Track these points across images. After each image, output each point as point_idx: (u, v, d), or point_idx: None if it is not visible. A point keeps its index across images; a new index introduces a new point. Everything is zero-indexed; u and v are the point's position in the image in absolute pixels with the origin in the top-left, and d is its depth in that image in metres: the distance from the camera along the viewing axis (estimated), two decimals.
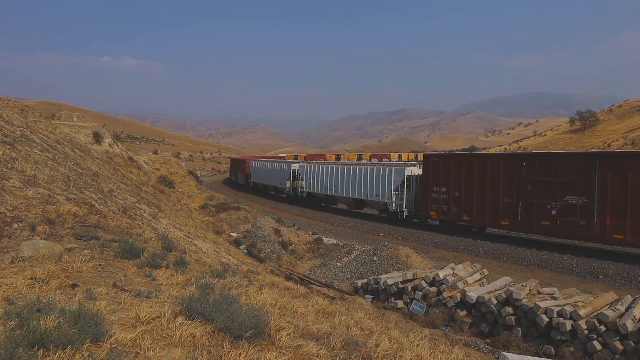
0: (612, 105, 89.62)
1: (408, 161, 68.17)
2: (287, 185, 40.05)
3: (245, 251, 18.71)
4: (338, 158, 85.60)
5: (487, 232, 23.39)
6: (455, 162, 23.46)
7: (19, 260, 4.98)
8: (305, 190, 37.05)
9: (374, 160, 75.73)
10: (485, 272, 13.39)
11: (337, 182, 32.47)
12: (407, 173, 26.22)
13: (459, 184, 22.64)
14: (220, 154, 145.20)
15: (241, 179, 58.99)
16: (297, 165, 40.08)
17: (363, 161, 72.15)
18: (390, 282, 12.79)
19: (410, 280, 12.65)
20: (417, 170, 26.58)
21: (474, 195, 21.85)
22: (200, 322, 3.83)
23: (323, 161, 59.56)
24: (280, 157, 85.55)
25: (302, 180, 37.77)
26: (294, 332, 4.11)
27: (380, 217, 30.35)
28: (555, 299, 10.36)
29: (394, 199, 26.95)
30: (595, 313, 9.48)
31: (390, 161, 72.70)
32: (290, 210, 35.42)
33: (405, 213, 26.18)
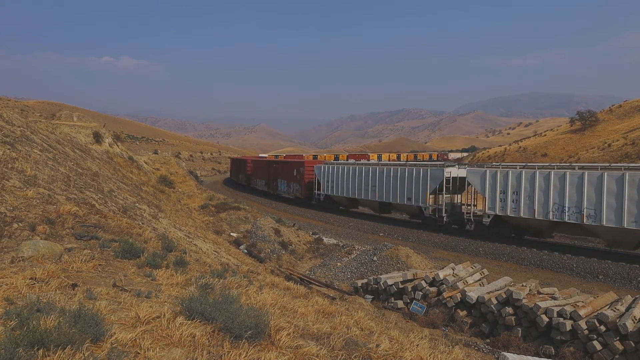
0: (612, 105, 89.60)
1: (443, 161, 63.71)
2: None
3: (245, 251, 18.71)
4: (380, 158, 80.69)
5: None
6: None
7: (19, 260, 4.98)
8: (323, 193, 34.29)
9: (352, 161, 69.96)
10: (485, 272, 13.39)
11: (360, 184, 29.85)
12: (445, 174, 24.04)
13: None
14: (220, 154, 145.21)
15: (242, 180, 56.27)
16: (317, 167, 36.17)
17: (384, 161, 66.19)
18: (390, 282, 12.79)
19: (410, 281, 12.64)
20: (456, 171, 24.44)
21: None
22: (200, 322, 3.83)
23: (343, 161, 51.87)
24: (297, 157, 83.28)
25: (319, 182, 34.84)
26: (294, 332, 4.11)
27: (379, 217, 30.16)
28: (555, 299, 10.36)
29: (430, 203, 24.87)
30: (595, 313, 9.48)
31: (368, 161, 66.99)
32: (290, 211, 35.41)
33: (446, 219, 24.02)
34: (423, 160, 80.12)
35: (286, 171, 41.80)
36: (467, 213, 23.39)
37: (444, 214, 24.09)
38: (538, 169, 19.74)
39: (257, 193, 48.31)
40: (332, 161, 42.70)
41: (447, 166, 24.75)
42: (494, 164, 25.70)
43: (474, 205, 23.80)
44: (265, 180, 46.67)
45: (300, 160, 53.76)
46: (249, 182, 53.43)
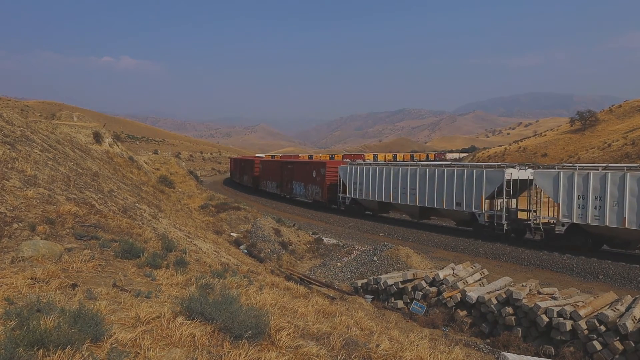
0: (612, 105, 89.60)
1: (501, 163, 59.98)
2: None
3: (245, 251, 18.71)
4: (376, 158, 77.15)
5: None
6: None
7: (19, 260, 4.98)
8: (349, 196, 30.74)
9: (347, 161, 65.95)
10: (485, 272, 13.39)
11: (395, 187, 26.58)
12: (506, 176, 21.24)
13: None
14: (220, 154, 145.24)
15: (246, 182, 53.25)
16: (342, 167, 32.42)
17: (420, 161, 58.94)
18: (390, 282, 12.79)
19: (410, 281, 12.64)
20: (517, 173, 21.65)
21: None
22: (200, 322, 3.83)
23: (371, 161, 45.11)
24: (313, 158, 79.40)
25: (345, 184, 31.32)
26: (294, 332, 4.11)
27: (379, 217, 30.10)
28: (555, 299, 10.36)
29: (485, 209, 22.00)
30: (595, 313, 9.48)
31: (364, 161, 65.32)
32: (290, 210, 35.42)
33: (506, 227, 21.19)
34: (420, 160, 77.22)
35: (304, 172, 38.07)
36: (532, 220, 20.36)
37: (503, 222, 21.17)
38: (627, 170, 17.37)
39: (266, 195, 45.54)
40: (360, 161, 37.89)
41: (508, 167, 21.92)
42: (565, 164, 23.00)
43: (535, 212, 20.63)
44: (278, 183, 43.23)
45: (322, 160, 51.68)
46: (256, 184, 49.87)
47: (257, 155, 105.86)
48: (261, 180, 48.24)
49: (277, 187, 43.40)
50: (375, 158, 78.48)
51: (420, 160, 77.56)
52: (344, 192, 31.42)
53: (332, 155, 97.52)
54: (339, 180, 32.04)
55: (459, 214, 23.46)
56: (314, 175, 35.86)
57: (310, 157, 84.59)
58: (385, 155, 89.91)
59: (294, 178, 39.57)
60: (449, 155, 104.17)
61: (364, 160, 72.05)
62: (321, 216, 31.90)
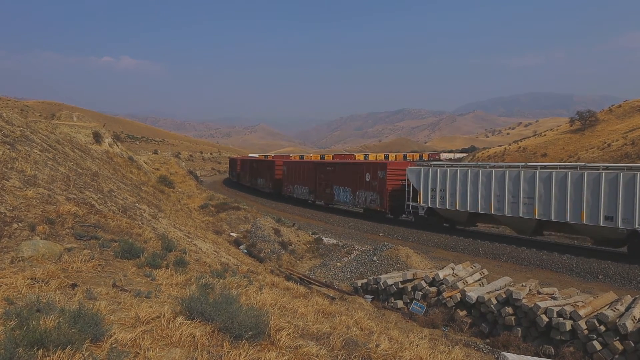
0: (612, 105, 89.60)
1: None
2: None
3: (245, 251, 18.71)
4: (367, 158, 70.70)
5: (486, 231, 23.40)
6: None
7: (19, 260, 4.98)
8: (424, 205, 24.46)
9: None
10: (485, 272, 13.40)
11: (498, 194, 21.15)
12: None
13: None
14: (220, 154, 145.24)
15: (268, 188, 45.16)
16: (412, 169, 25.79)
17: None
18: (390, 282, 12.79)
19: (410, 280, 12.65)
20: None
21: None
22: (200, 322, 3.84)
23: (465, 163, 30.60)
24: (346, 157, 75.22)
25: (417, 190, 25.07)
26: (293, 332, 4.11)
27: (379, 217, 29.89)
28: (555, 299, 10.37)
29: None
30: (595, 313, 9.49)
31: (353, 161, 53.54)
32: (290, 210, 35.40)
33: None
34: (414, 160, 70.12)
35: (350, 176, 31.61)
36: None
37: None
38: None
39: (290, 201, 39.98)
40: (440, 161, 30.69)
41: None
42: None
43: None
44: (311, 188, 36.47)
45: (380, 160, 43.29)
46: (278, 189, 42.57)
47: (250, 155, 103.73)
48: (286, 184, 40.64)
49: (310, 193, 36.65)
50: (366, 158, 75.25)
51: (413, 160, 71.90)
52: (415, 199, 25.16)
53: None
54: (407, 186, 25.89)
55: (606, 231, 17.69)
56: (368, 179, 29.47)
57: (301, 156, 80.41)
58: (376, 156, 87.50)
59: (336, 182, 33.24)
60: (444, 155, 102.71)
61: (353, 160, 63.92)
62: (321, 216, 31.88)
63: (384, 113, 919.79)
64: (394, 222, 28.24)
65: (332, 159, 67.52)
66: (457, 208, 22.74)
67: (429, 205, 24.30)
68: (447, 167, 23.97)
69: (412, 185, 25.36)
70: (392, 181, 27.85)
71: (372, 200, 29.17)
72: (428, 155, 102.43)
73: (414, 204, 25.33)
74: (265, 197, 44.78)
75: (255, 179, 49.67)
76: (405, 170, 26.48)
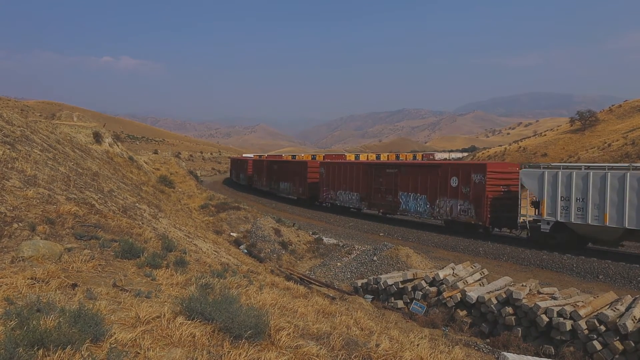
0: (612, 105, 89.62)
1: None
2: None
3: (245, 251, 18.72)
4: (358, 158, 65.72)
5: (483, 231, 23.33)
6: None
7: (19, 260, 4.98)
8: (548, 219, 19.07)
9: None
10: (485, 272, 13.40)
11: None
12: None
13: None
14: (220, 154, 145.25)
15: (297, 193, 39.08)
16: (527, 172, 20.41)
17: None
18: (390, 282, 12.79)
19: (410, 280, 12.65)
20: None
21: None
22: (200, 322, 3.83)
23: (602, 164, 20.98)
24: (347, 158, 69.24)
25: (538, 200, 19.62)
26: (294, 332, 4.11)
27: (379, 217, 29.84)
28: (555, 299, 10.37)
29: None
30: (595, 313, 9.49)
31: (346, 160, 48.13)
32: (290, 210, 35.38)
33: None
34: (407, 160, 67.02)
35: (424, 180, 25.88)
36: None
37: None
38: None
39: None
40: (566, 164, 23.18)
41: None
42: None
43: None
44: (362, 194, 30.79)
45: (474, 162, 34.76)
46: (313, 196, 36.89)
47: (244, 155, 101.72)
48: (325, 189, 35.04)
49: (361, 201, 31.18)
50: (357, 158, 70.37)
51: (406, 160, 67.63)
52: (536, 211, 20.08)
53: (377, 154, 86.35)
54: (522, 194, 21.13)
55: None
56: (455, 185, 23.87)
57: (265, 156, 71.50)
58: (367, 156, 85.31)
59: (402, 188, 27.38)
60: (438, 155, 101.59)
61: (344, 160, 56.75)
62: (321, 216, 31.86)
63: (384, 113, 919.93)
64: (394, 222, 28.23)
65: (323, 158, 64.85)
66: (607, 223, 17.20)
67: (558, 218, 18.84)
68: (585, 169, 18.32)
69: (537, 194, 19.75)
70: (492, 187, 22.24)
71: (463, 211, 23.45)
72: (422, 155, 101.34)
73: (536, 217, 19.91)
74: (292, 203, 38.63)
75: (277, 183, 42.86)
76: (509, 173, 22.20)
